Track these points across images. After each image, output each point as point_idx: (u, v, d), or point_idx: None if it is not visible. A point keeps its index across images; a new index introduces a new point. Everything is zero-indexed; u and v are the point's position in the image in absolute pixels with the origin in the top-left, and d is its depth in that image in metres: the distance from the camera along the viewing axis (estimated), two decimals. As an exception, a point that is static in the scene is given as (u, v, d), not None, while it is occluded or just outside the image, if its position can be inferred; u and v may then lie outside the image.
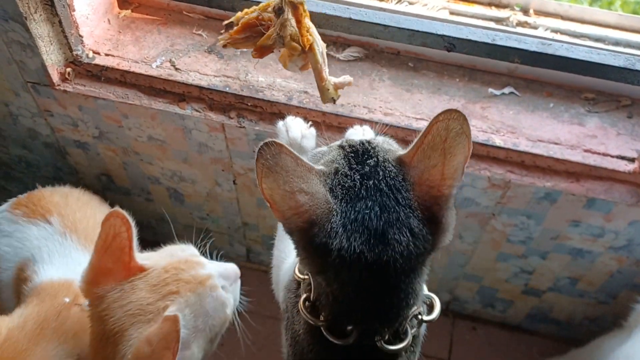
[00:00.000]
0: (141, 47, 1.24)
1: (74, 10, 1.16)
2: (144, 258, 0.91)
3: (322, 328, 0.74)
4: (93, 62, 1.21)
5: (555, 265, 1.29)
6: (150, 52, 1.23)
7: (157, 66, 1.21)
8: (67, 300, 1.06)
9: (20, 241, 1.17)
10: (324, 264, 0.68)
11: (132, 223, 0.87)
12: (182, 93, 1.20)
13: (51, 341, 1.00)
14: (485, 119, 1.15)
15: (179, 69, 1.20)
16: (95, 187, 1.50)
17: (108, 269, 0.87)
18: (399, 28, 0.98)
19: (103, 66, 1.21)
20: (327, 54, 1.23)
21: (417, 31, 0.97)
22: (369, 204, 0.67)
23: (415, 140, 0.68)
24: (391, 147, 0.74)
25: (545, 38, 1.11)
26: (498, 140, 1.11)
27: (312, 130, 1.07)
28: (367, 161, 0.70)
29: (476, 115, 1.15)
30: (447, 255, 1.35)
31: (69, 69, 1.22)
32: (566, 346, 1.43)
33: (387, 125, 1.12)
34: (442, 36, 0.96)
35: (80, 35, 1.20)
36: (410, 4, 1.24)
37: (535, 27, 1.23)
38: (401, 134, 1.12)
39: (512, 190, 1.12)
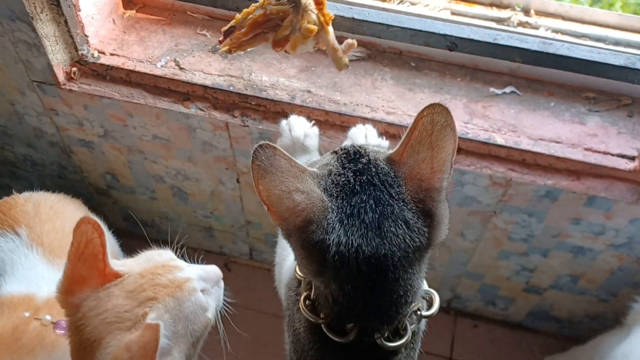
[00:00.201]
0: (146, 47, 1.25)
1: (79, 10, 1.18)
2: (119, 265, 0.89)
3: (322, 326, 0.75)
4: (98, 62, 1.22)
5: (556, 263, 1.30)
6: (155, 51, 1.25)
7: (161, 66, 1.22)
8: (26, 314, 1.04)
9: None
10: (322, 263, 0.69)
11: (105, 229, 0.85)
12: (186, 92, 1.21)
13: (4, 357, 0.99)
14: (486, 118, 1.16)
15: (183, 68, 1.22)
16: (100, 186, 1.51)
17: (82, 277, 0.85)
18: (402, 28, 0.99)
19: (108, 65, 1.22)
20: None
21: (420, 31, 0.98)
22: (364, 198, 0.69)
23: (403, 137, 0.70)
24: (380, 150, 0.76)
25: (546, 38, 1.12)
26: (499, 139, 1.12)
27: (315, 129, 1.09)
28: (360, 159, 0.72)
29: (478, 114, 1.16)
30: (449, 253, 1.36)
31: (74, 69, 1.23)
32: (567, 344, 1.45)
33: (389, 124, 1.14)
34: (445, 36, 0.98)
35: (85, 35, 1.22)
36: (412, 4, 1.25)
37: (536, 28, 1.24)
38: (403, 133, 1.13)
39: (513, 189, 1.13)
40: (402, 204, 0.69)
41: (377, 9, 1.14)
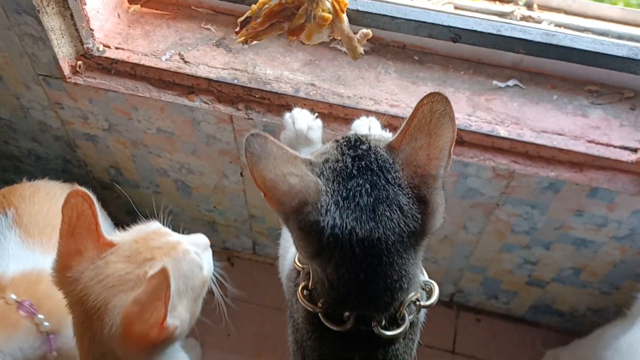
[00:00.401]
0: (151, 41, 1.26)
1: (85, 4, 1.18)
2: (111, 236, 0.92)
3: (319, 315, 0.76)
4: (103, 55, 1.23)
5: (558, 256, 1.30)
6: (160, 45, 1.25)
7: (166, 59, 1.23)
8: None
9: None
10: (318, 245, 0.70)
11: (94, 199, 0.85)
12: (191, 85, 1.22)
13: None
14: (489, 111, 1.16)
15: (187, 61, 1.22)
16: (104, 180, 1.52)
17: (78, 250, 0.86)
18: (406, 19, 1.00)
19: (113, 59, 1.23)
20: (333, 49, 1.26)
21: (424, 22, 0.99)
22: (360, 182, 0.70)
23: (403, 125, 0.71)
24: (382, 139, 0.77)
25: (549, 30, 1.13)
26: (502, 131, 1.13)
27: (319, 121, 1.09)
28: (360, 146, 0.73)
29: (481, 106, 1.17)
30: (452, 247, 1.37)
31: (79, 62, 1.23)
32: (569, 338, 1.45)
33: (393, 116, 1.14)
34: (449, 27, 0.98)
35: (91, 29, 1.22)
36: (415, -2, 1.25)
37: (539, 22, 1.24)
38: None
39: (516, 180, 1.14)
40: (397, 188, 0.70)
41: (381, 0, 1.14)
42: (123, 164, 1.45)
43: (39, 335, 1.04)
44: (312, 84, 1.20)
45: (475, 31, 0.98)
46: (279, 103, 1.19)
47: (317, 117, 1.11)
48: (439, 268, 1.45)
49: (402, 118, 1.12)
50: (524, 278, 1.41)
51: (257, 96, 1.19)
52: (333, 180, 0.71)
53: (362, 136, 0.76)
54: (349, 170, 0.71)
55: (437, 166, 0.71)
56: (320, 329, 0.77)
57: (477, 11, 1.25)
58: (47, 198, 1.25)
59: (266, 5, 1.03)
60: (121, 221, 1.47)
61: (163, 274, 0.76)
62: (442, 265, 1.45)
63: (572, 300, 1.44)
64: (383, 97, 1.18)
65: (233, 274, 1.66)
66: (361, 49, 1.07)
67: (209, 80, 1.20)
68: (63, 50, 1.20)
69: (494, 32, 0.97)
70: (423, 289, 0.80)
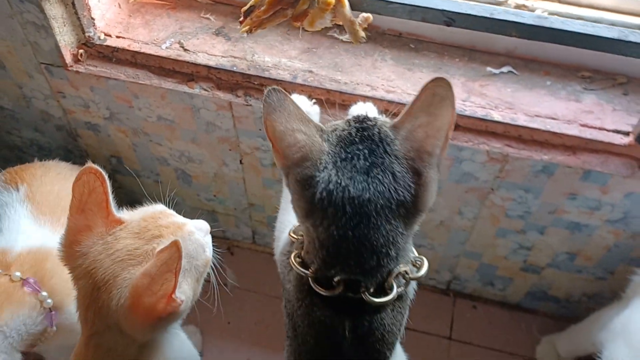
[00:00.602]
0: (151, 30, 1.28)
1: (86, -6, 1.21)
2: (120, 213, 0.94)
3: (310, 280, 0.79)
4: (105, 44, 1.25)
5: (553, 240, 1.32)
6: (160, 34, 1.27)
7: (166, 47, 1.25)
8: None
9: None
10: (312, 201, 0.74)
11: (106, 177, 0.89)
12: (190, 73, 1.24)
13: None
14: (484, 96, 1.18)
15: (187, 49, 1.24)
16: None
17: (87, 225, 0.88)
18: (401, 4, 1.02)
19: (114, 47, 1.25)
20: (330, 37, 1.28)
21: (418, 6, 1.01)
22: (360, 148, 0.75)
23: (407, 106, 0.76)
24: (388, 121, 0.81)
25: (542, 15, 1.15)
26: (496, 116, 1.15)
27: (316, 107, 1.12)
28: (367, 121, 0.79)
29: (475, 92, 1.19)
30: (448, 233, 1.39)
31: (81, 50, 1.26)
32: (565, 324, 1.46)
33: (389, 101, 1.16)
34: (442, 11, 1.00)
35: (92, 18, 1.24)
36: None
37: (533, 10, 1.26)
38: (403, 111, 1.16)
39: (510, 164, 1.16)
40: (393, 158, 0.75)
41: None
42: (124, 153, 1.47)
43: (42, 311, 1.06)
44: (310, 71, 1.22)
45: (469, 15, 1.00)
46: (277, 89, 1.21)
47: (314, 103, 1.13)
48: (436, 254, 1.47)
49: (399, 103, 1.16)
50: (519, 264, 1.43)
51: (255, 83, 1.21)
52: (336, 145, 0.76)
53: (370, 116, 0.81)
54: (352, 138, 0.76)
55: (433, 144, 0.75)
56: (310, 295, 0.80)
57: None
58: (57, 178, 1.28)
59: None
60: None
61: (175, 246, 0.78)
62: (439, 252, 1.46)
63: (568, 286, 1.46)
64: (379, 84, 1.20)
65: (233, 263, 1.69)
66: (362, 33, 1.10)
67: (209, 67, 1.22)
68: (65, 39, 1.22)
69: (488, 15, 0.99)
70: (414, 265, 0.82)
